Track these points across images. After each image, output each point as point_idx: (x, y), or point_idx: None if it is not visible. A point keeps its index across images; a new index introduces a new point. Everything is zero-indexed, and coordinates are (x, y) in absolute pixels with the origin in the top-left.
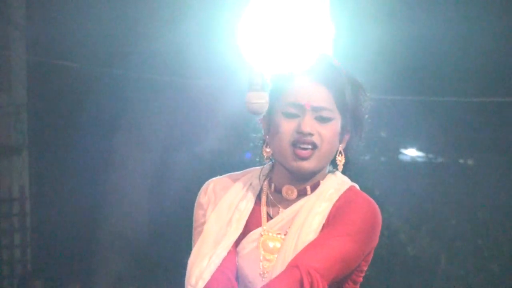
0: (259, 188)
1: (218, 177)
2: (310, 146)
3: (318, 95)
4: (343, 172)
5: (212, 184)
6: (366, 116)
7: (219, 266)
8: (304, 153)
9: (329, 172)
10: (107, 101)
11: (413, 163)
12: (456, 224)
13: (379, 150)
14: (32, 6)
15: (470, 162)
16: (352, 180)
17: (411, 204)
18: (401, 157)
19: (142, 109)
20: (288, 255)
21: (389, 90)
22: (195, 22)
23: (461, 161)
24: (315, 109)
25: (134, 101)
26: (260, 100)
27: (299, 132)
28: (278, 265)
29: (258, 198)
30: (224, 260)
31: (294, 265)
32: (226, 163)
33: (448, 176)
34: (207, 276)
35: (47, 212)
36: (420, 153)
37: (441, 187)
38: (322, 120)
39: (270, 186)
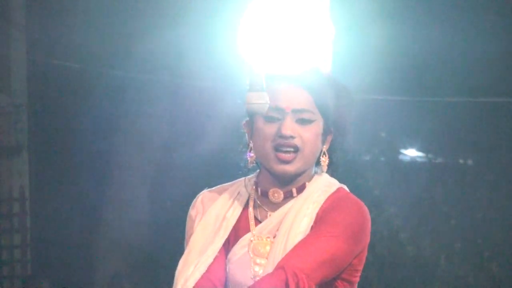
0: (247, 195)
1: (209, 189)
2: (292, 149)
3: (298, 98)
4: (328, 173)
5: (201, 197)
6: (351, 117)
7: (205, 273)
8: (286, 156)
9: (315, 173)
10: (107, 101)
11: (413, 163)
12: (456, 224)
13: (379, 150)
14: (32, 6)
15: (470, 162)
16: (352, 180)
17: (411, 204)
18: (401, 157)
19: (142, 109)
20: (277, 257)
21: (389, 90)
22: (195, 22)
23: (461, 161)
24: (295, 112)
25: (134, 101)
26: (260, 101)
27: (280, 136)
28: (268, 268)
29: (246, 204)
30: (211, 267)
31: (280, 266)
32: (226, 164)
33: (448, 176)
34: (191, 284)
35: (48, 212)
36: (420, 153)
37: (441, 187)
38: (303, 122)
39: (256, 190)
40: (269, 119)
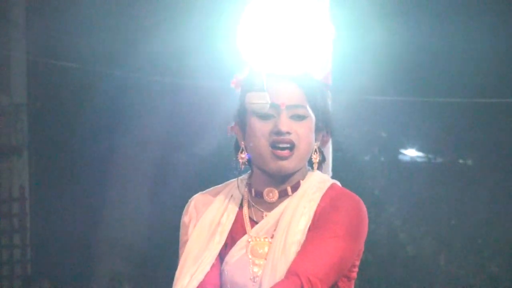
0: (240, 197)
1: (201, 192)
2: (288, 145)
3: (292, 94)
4: (318, 169)
5: (193, 202)
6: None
7: (201, 282)
8: (283, 153)
9: (308, 171)
10: (107, 101)
11: (413, 163)
12: (456, 224)
13: (379, 150)
14: (32, 6)
15: (470, 162)
16: (352, 180)
17: (411, 204)
18: (401, 157)
19: (142, 109)
20: (277, 257)
21: (389, 90)
22: (195, 22)
23: (461, 161)
24: (290, 108)
25: (134, 101)
26: (261, 101)
27: (277, 132)
28: (267, 269)
29: (241, 206)
30: (207, 275)
31: (293, 273)
32: (226, 164)
33: (448, 176)
34: None
35: (47, 213)
36: (420, 153)
37: (441, 187)
38: (298, 118)
39: (250, 192)
40: (264, 117)
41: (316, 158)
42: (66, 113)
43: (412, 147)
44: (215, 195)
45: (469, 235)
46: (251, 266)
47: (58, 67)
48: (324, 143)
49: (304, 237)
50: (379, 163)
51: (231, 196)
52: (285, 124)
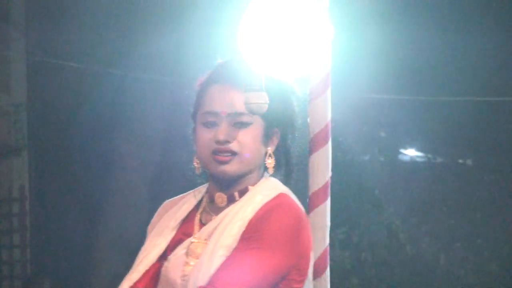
0: (195, 203)
1: (169, 199)
2: (229, 154)
3: (235, 102)
4: (281, 175)
5: (159, 209)
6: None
7: (134, 284)
8: (224, 158)
9: (262, 177)
10: (107, 101)
11: (413, 163)
12: (456, 224)
13: (379, 150)
14: (32, 6)
15: (470, 162)
16: (352, 180)
17: (411, 204)
18: (401, 157)
19: (142, 109)
20: (205, 259)
21: (389, 90)
22: (195, 22)
23: (461, 161)
24: (232, 116)
25: (134, 101)
26: (259, 101)
27: (216, 141)
28: (195, 269)
29: (196, 211)
30: (140, 280)
31: (210, 285)
32: None
33: (448, 176)
34: None
35: (47, 212)
36: (420, 153)
37: (441, 187)
38: (241, 125)
39: (207, 197)
40: (207, 125)
41: (271, 163)
42: (66, 113)
43: (412, 147)
44: (178, 201)
45: (469, 235)
46: (185, 265)
47: (58, 67)
48: (273, 144)
49: (235, 244)
50: (379, 163)
51: (189, 201)
52: (224, 133)
